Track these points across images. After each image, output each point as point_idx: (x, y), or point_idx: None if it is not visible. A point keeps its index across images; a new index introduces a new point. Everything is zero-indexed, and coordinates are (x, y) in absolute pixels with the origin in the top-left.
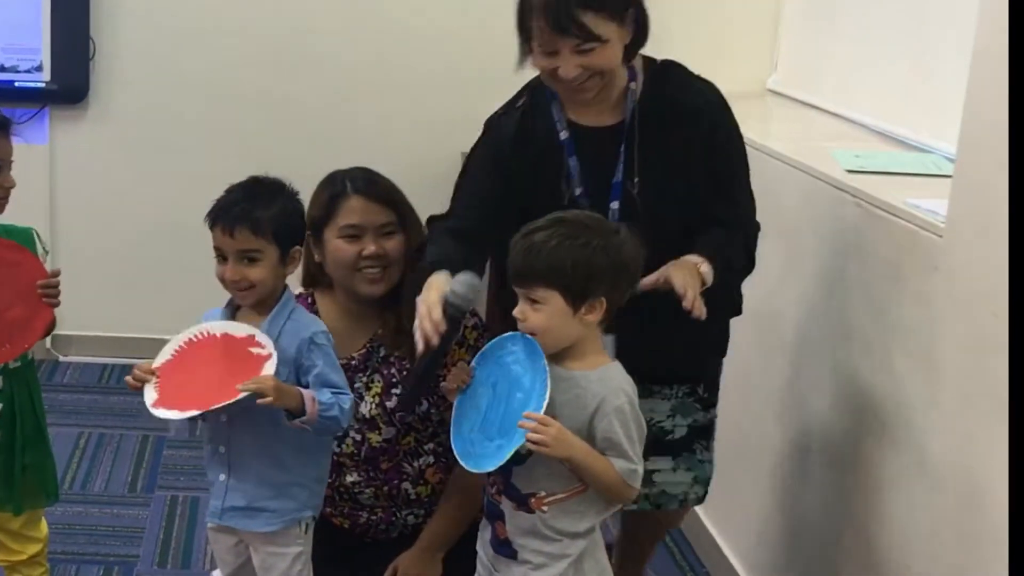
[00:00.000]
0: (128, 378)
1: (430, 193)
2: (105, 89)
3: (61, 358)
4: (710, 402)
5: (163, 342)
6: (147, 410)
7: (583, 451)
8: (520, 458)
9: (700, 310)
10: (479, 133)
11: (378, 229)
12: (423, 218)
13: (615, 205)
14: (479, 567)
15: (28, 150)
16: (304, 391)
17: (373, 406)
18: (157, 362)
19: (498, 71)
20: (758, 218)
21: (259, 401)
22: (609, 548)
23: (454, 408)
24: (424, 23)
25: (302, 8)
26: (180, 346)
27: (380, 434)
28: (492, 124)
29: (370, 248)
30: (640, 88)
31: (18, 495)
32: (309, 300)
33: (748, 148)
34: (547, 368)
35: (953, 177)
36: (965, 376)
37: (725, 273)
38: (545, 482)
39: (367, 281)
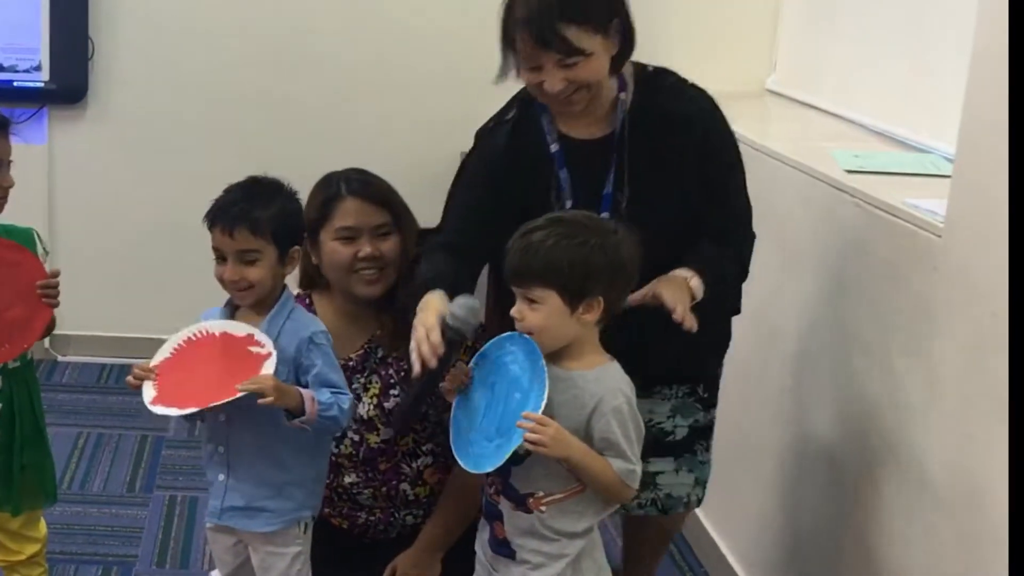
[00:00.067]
0: (128, 377)
1: (429, 193)
2: (104, 89)
3: (60, 358)
4: (710, 402)
5: (162, 342)
6: (146, 410)
7: (581, 451)
8: (518, 458)
9: (691, 323)
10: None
11: (373, 230)
12: (421, 218)
13: (605, 217)
14: (478, 567)
15: (27, 150)
16: (304, 391)
17: (371, 407)
18: (156, 360)
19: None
20: (757, 217)
21: (260, 401)
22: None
23: (453, 409)
24: (424, 23)
25: (302, 8)
26: (179, 344)
27: (378, 435)
28: (482, 136)
29: (366, 249)
30: (630, 98)
31: (17, 495)
32: (307, 301)
33: (747, 148)
34: (545, 368)
35: (952, 177)
36: (965, 376)
37: (716, 286)
38: (543, 482)
39: (363, 283)
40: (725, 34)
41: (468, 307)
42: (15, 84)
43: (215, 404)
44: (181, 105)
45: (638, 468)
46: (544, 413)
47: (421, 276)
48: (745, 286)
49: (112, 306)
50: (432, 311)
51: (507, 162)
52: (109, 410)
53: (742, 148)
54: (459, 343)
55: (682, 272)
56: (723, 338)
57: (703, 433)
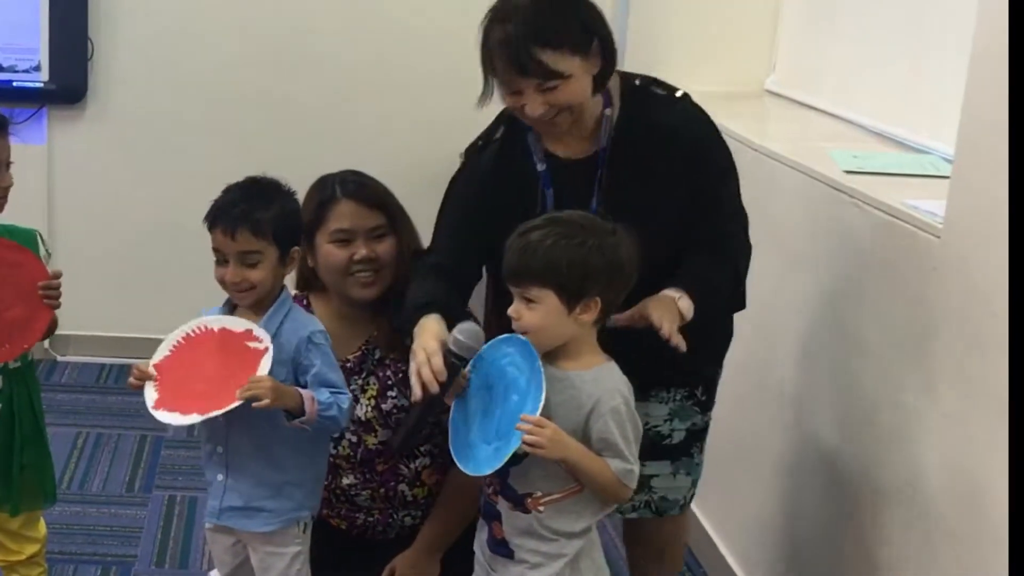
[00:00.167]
0: (129, 379)
1: (429, 193)
2: (103, 89)
3: (59, 358)
4: (708, 405)
5: (161, 342)
6: (145, 410)
7: (579, 452)
8: (516, 459)
9: (677, 340)
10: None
11: (369, 232)
12: (421, 218)
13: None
14: (476, 567)
15: (26, 150)
16: (303, 391)
17: (369, 409)
18: (156, 358)
19: None
20: (756, 218)
21: (254, 405)
22: None
23: (451, 412)
24: (424, 23)
25: (302, 8)
26: (178, 341)
27: (376, 436)
28: (470, 156)
29: (361, 252)
30: (616, 113)
31: (16, 495)
32: (304, 303)
33: (746, 149)
34: (542, 369)
35: (951, 178)
36: (964, 377)
37: (707, 303)
38: (541, 483)
39: (359, 285)
40: (725, 34)
41: (472, 333)
42: (14, 84)
43: (216, 413)
44: (181, 105)
45: (636, 468)
46: (542, 414)
47: (414, 300)
48: (746, 283)
49: (111, 306)
50: (431, 335)
51: (494, 183)
52: (108, 410)
53: (741, 149)
54: (460, 368)
55: (670, 292)
56: (724, 338)
57: (700, 435)
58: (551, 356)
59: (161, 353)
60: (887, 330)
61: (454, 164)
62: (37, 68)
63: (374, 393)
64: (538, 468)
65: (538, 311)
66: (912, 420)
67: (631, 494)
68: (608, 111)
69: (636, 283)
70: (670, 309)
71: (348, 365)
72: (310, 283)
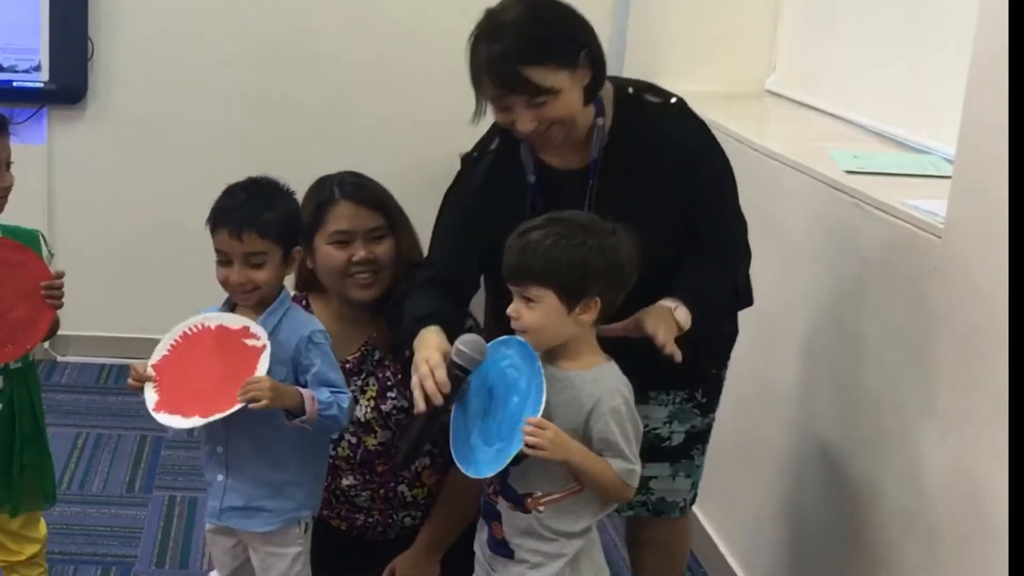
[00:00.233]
0: (128, 380)
1: (429, 194)
2: (103, 89)
3: (59, 358)
4: (709, 407)
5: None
6: (145, 410)
7: (580, 453)
8: (517, 459)
9: (672, 349)
10: (477, 135)
11: (367, 234)
12: (421, 219)
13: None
14: (477, 567)
15: (26, 150)
16: (303, 391)
17: (368, 410)
18: (154, 358)
19: None
20: (757, 219)
21: (251, 406)
22: None
23: (452, 415)
24: (424, 23)
25: (302, 8)
26: (176, 340)
27: (376, 437)
28: (465, 166)
29: (360, 253)
30: (609, 123)
31: (16, 495)
32: (304, 304)
33: (746, 149)
34: (542, 371)
35: (952, 178)
36: (964, 377)
37: (705, 314)
38: (541, 483)
39: (358, 286)
40: (725, 34)
41: (475, 344)
42: (15, 84)
43: (217, 416)
44: (181, 105)
45: (638, 467)
46: (542, 415)
47: (413, 312)
48: None
49: (111, 306)
50: (433, 348)
51: (488, 194)
52: (108, 410)
53: (741, 149)
54: (463, 380)
55: (667, 302)
56: (727, 338)
57: (700, 437)
58: (551, 356)
59: (159, 352)
60: (888, 330)
61: (454, 164)
62: (37, 68)
63: (373, 394)
64: (538, 468)
65: (537, 311)
66: (912, 420)
67: (633, 493)
68: (600, 121)
69: (628, 296)
70: (666, 319)
71: (347, 366)
72: (309, 284)
